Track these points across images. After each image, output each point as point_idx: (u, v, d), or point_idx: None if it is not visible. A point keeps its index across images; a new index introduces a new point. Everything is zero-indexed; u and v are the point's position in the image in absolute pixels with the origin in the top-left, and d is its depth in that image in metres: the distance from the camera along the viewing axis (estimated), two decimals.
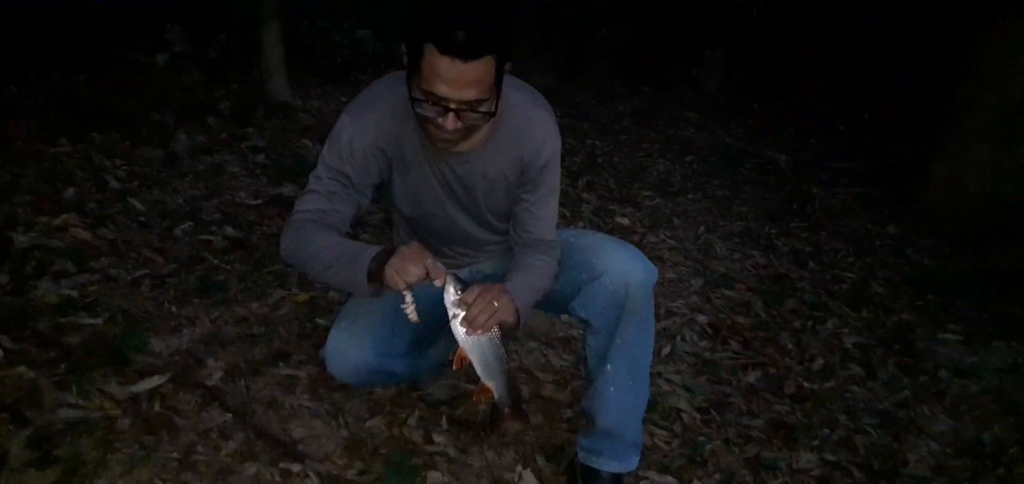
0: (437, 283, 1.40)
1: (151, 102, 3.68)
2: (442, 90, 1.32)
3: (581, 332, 1.87)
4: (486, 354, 1.47)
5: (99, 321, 2.06)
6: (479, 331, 1.41)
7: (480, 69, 1.32)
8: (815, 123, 6.39)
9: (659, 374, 2.39)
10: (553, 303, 1.71)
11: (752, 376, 2.54)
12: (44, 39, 3.88)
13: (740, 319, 2.92)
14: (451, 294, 1.41)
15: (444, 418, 1.98)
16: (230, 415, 1.81)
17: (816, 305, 3.14)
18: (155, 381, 1.86)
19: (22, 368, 1.80)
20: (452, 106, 1.34)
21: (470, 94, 1.33)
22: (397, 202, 1.70)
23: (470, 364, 1.48)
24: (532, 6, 5.89)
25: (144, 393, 1.82)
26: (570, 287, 1.65)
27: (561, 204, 1.79)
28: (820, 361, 2.70)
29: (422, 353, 1.81)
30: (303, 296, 2.41)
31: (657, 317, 2.72)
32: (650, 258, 1.65)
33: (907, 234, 4.03)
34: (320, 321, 2.28)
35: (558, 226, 1.71)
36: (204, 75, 4.14)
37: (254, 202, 3.05)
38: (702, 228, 3.81)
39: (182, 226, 2.70)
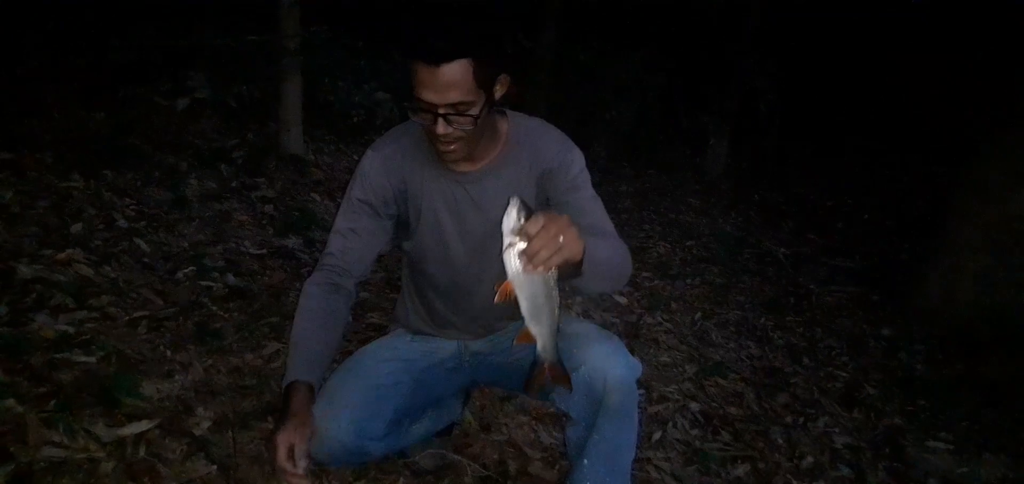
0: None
1: (167, 144, 3.76)
2: (427, 96, 1.44)
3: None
4: (537, 294, 1.28)
5: (93, 360, 2.06)
6: (539, 268, 1.23)
7: (456, 71, 1.42)
8: (815, 218, 6.47)
9: (648, 460, 2.37)
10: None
11: (741, 469, 2.52)
12: (68, 74, 3.98)
13: (732, 410, 2.91)
14: (512, 219, 1.23)
15: None
16: (214, 467, 1.80)
17: (808, 401, 3.13)
18: (143, 426, 1.85)
19: (11, 401, 1.79)
20: (439, 111, 1.45)
21: (452, 96, 1.43)
22: (409, 252, 1.75)
23: (515, 300, 1.28)
24: (541, 83, 6.04)
25: (130, 437, 1.81)
26: None
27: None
28: (810, 459, 2.68)
29: (404, 431, 1.79)
30: None
31: (650, 401, 2.77)
32: (646, 340, 1.65)
33: (901, 337, 4.03)
34: None
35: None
36: (221, 122, 4.22)
37: (258, 252, 3.08)
38: (699, 314, 3.83)
39: (185, 270, 2.72)
